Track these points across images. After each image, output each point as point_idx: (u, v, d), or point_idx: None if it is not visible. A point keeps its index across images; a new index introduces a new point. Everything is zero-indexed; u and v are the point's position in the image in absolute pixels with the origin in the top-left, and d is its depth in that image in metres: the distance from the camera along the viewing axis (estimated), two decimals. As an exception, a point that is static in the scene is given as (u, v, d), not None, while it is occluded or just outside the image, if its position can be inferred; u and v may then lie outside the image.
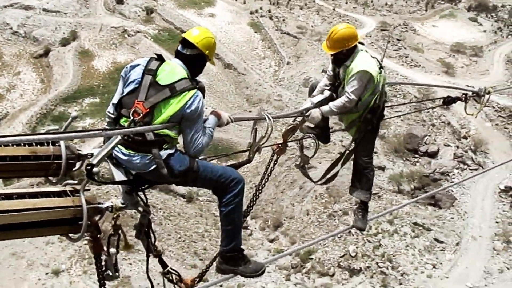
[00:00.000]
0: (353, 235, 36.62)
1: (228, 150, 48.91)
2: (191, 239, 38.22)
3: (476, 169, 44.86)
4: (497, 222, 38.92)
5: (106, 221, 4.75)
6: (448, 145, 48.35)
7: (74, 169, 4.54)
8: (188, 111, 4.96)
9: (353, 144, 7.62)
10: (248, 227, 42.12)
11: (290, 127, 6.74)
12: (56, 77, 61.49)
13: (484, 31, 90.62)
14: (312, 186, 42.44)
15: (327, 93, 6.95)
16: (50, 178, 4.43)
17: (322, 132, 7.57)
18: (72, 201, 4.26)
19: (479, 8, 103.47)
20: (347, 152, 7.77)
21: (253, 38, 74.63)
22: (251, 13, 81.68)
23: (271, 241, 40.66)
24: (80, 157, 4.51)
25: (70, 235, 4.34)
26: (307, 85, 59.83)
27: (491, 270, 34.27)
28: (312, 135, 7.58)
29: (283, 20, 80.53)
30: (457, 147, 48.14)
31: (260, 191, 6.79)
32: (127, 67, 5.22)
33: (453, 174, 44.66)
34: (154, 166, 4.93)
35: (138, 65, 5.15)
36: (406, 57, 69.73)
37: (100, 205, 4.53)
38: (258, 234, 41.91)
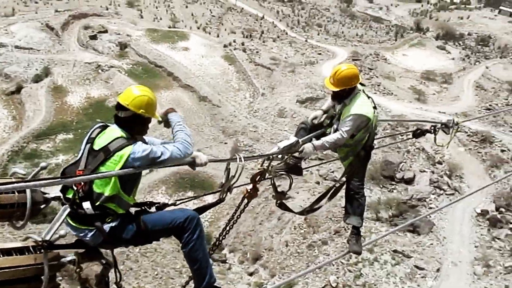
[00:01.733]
0: (333, 265, 36.57)
1: (205, 183, 48.91)
2: (169, 276, 37.77)
3: (452, 194, 45.22)
4: (476, 247, 39.14)
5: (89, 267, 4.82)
6: (424, 171, 48.68)
7: (39, 213, 4.61)
8: (137, 163, 4.96)
9: (343, 178, 7.90)
10: (227, 261, 41.87)
11: (258, 171, 6.75)
12: (29, 114, 60.76)
13: (453, 58, 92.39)
14: (290, 217, 42.41)
15: (292, 139, 6.91)
16: (14, 222, 4.51)
17: (293, 168, 7.71)
18: (34, 259, 4.34)
19: (446, 36, 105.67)
20: (337, 185, 8.02)
21: (228, 71, 74.83)
22: (225, 46, 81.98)
23: (251, 274, 40.37)
24: (47, 201, 4.60)
25: None
26: (282, 116, 60.26)
27: (473, 296, 34.48)
28: (283, 172, 7.64)
29: (257, 52, 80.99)
30: (433, 172, 48.47)
31: (227, 232, 6.84)
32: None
33: (430, 200, 44.91)
34: (101, 240, 5.01)
35: (87, 134, 5.29)
36: (379, 85, 70.46)
37: (62, 260, 4.61)
38: (237, 268, 41.62)
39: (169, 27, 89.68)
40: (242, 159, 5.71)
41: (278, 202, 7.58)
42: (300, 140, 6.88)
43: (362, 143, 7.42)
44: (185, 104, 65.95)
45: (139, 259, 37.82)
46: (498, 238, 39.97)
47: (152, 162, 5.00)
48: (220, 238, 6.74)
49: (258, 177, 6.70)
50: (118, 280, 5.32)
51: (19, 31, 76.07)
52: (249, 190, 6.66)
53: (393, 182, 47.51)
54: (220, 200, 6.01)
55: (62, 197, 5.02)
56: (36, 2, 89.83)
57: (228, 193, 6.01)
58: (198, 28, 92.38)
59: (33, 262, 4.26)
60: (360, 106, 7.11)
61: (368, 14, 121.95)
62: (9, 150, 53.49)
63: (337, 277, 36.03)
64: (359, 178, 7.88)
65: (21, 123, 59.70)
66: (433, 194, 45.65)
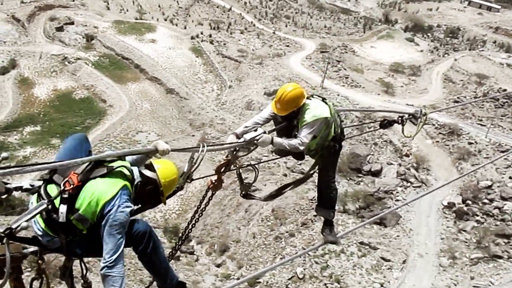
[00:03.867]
0: (300, 257, 36.58)
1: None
2: (137, 267, 37.51)
3: (419, 186, 45.54)
4: (442, 239, 39.48)
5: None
6: (391, 164, 48.94)
7: (1, 204, 4.44)
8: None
9: (314, 169, 7.70)
10: (194, 253, 41.72)
11: (222, 162, 6.60)
12: (-5, 106, 60.28)
13: (421, 50, 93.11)
14: (258, 209, 42.40)
15: (260, 130, 6.88)
16: None
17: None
18: None
19: (415, 28, 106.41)
20: (306, 175, 7.85)
21: (195, 63, 74.64)
22: (192, 38, 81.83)
23: (218, 265, 40.31)
24: (8, 191, 4.36)
25: None
26: (250, 108, 60.22)
27: (438, 287, 34.67)
28: (250, 165, 7.60)
29: (224, 44, 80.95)
30: (400, 165, 48.76)
31: (194, 224, 6.71)
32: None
33: (397, 192, 45.18)
34: (57, 246, 4.75)
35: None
36: (346, 77, 70.74)
37: (24, 251, 4.43)
38: (204, 259, 41.52)
39: (136, 19, 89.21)
40: (205, 147, 5.54)
41: (243, 193, 7.49)
42: (269, 136, 6.70)
43: (328, 139, 7.21)
44: (153, 96, 65.67)
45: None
46: (464, 230, 40.32)
47: None
48: (187, 230, 6.68)
49: (223, 168, 6.58)
50: (84, 273, 5.08)
51: (-16, 23, 74.94)
52: (213, 181, 6.55)
53: (360, 175, 47.74)
54: (178, 188, 5.70)
55: (42, 190, 4.68)
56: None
57: (189, 182, 5.94)
58: (165, 20, 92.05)
59: None
60: (312, 112, 6.87)
61: (336, 6, 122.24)
62: (-24, 142, 52.98)
63: (304, 269, 36.12)
64: (330, 171, 7.74)
65: (-12, 116, 59.07)
66: (400, 186, 45.92)
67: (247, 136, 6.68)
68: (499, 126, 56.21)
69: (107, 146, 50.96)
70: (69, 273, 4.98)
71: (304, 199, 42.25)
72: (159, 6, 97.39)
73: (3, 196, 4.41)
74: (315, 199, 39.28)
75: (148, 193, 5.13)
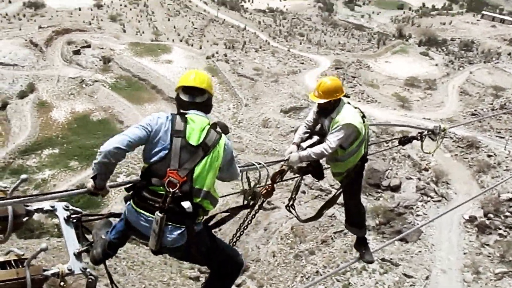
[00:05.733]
0: (320, 275, 36.41)
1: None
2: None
3: (439, 201, 45.29)
4: (464, 253, 39.14)
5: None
6: (410, 178, 48.70)
7: (22, 226, 4.46)
8: (227, 158, 4.98)
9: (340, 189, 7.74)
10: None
11: (278, 170, 6.76)
12: (14, 130, 60.66)
13: (436, 64, 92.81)
14: (277, 228, 42.26)
15: (315, 138, 7.01)
16: None
17: (315, 170, 7.54)
18: (17, 273, 4.16)
19: (429, 42, 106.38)
20: (335, 195, 7.90)
21: (211, 82, 74.94)
22: (208, 57, 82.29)
23: (239, 285, 40.09)
24: (29, 213, 4.43)
25: None
26: (267, 126, 60.17)
27: (463, 303, 34.43)
28: (298, 175, 7.55)
29: (239, 63, 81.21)
30: (419, 179, 48.52)
31: (241, 233, 6.86)
32: (152, 120, 4.83)
33: (417, 207, 44.91)
34: (181, 243, 4.69)
35: (162, 123, 4.81)
36: (362, 93, 70.73)
37: (45, 273, 4.37)
38: (224, 280, 41.41)
39: (152, 40, 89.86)
40: (262, 165, 6.00)
41: (291, 204, 7.78)
42: (296, 154, 6.88)
43: (359, 156, 7.27)
44: (171, 118, 65.98)
45: (127, 272, 37.56)
46: (487, 244, 39.98)
47: (232, 161, 5.18)
48: (235, 239, 6.82)
49: (278, 176, 6.77)
50: None
51: (3, 48, 76.20)
52: (267, 188, 6.52)
53: (379, 190, 47.47)
54: (246, 206, 6.05)
55: (150, 197, 4.63)
56: (20, 19, 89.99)
57: (255, 201, 6.14)
58: (181, 40, 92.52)
59: (15, 277, 4.09)
60: (348, 116, 6.93)
61: (350, 22, 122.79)
62: (-4, 166, 53.32)
63: (325, 287, 35.86)
64: (356, 190, 7.82)
65: (7, 139, 59.66)
66: (420, 201, 45.64)
67: (304, 145, 7.05)
68: (518, 137, 55.92)
69: (124, 167, 50.96)
70: None
71: (323, 216, 42.05)
72: (174, 27, 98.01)
73: (24, 219, 4.46)
74: (334, 216, 39.14)
75: (211, 106, 5.41)
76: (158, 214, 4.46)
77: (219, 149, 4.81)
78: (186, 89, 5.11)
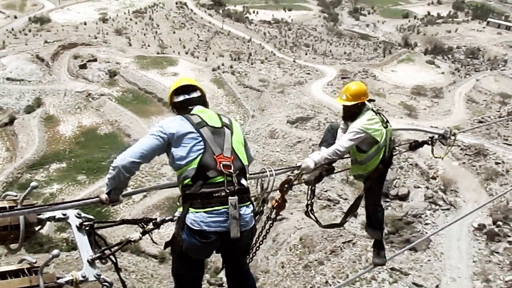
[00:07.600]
0: (330, 285, 36.28)
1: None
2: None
3: (448, 209, 45.15)
4: (474, 261, 38.96)
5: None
6: (418, 187, 48.58)
7: (34, 234, 4.46)
8: (243, 135, 5.24)
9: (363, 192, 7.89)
10: (223, 285, 41.54)
11: (285, 179, 6.72)
12: (22, 145, 60.83)
13: (442, 72, 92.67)
14: (285, 238, 42.15)
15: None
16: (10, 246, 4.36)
17: (327, 172, 7.62)
18: (30, 281, 4.12)
19: (435, 51, 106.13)
20: (358, 198, 8.02)
21: (217, 94, 74.94)
22: (213, 69, 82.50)
23: (248, 298, 39.99)
24: (41, 222, 4.44)
25: None
26: (274, 137, 60.10)
27: (474, 311, 34.25)
28: (307, 183, 7.60)
29: (245, 74, 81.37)
30: (427, 188, 48.39)
31: (257, 248, 6.82)
32: (165, 127, 4.83)
33: (426, 216, 44.77)
34: (253, 222, 4.86)
35: (179, 124, 4.87)
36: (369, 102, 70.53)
37: (59, 281, 4.33)
38: (234, 292, 41.25)
39: (158, 53, 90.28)
40: (273, 172, 6.03)
41: (310, 209, 7.81)
42: (310, 159, 6.86)
43: (378, 159, 7.34)
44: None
45: (136, 285, 37.53)
46: (497, 252, 39.79)
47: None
48: (254, 250, 6.60)
49: (286, 185, 6.66)
50: None
51: (10, 63, 76.76)
52: (278, 200, 6.60)
53: (388, 199, 47.29)
54: (257, 213, 5.94)
55: (214, 187, 4.64)
56: (26, 34, 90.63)
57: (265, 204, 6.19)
58: (186, 53, 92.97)
59: (28, 285, 4.06)
60: (362, 120, 7.05)
61: (355, 32, 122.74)
62: (4, 181, 53.43)
63: (335, 297, 35.77)
64: (377, 193, 7.98)
65: (15, 154, 59.82)
66: (428, 209, 45.51)
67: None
68: (526, 144, 55.78)
69: (132, 180, 51.06)
70: None
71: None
72: (179, 40, 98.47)
73: (37, 228, 4.48)
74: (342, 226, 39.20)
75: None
76: (231, 199, 4.55)
77: (237, 126, 5.16)
78: (178, 91, 5.29)
